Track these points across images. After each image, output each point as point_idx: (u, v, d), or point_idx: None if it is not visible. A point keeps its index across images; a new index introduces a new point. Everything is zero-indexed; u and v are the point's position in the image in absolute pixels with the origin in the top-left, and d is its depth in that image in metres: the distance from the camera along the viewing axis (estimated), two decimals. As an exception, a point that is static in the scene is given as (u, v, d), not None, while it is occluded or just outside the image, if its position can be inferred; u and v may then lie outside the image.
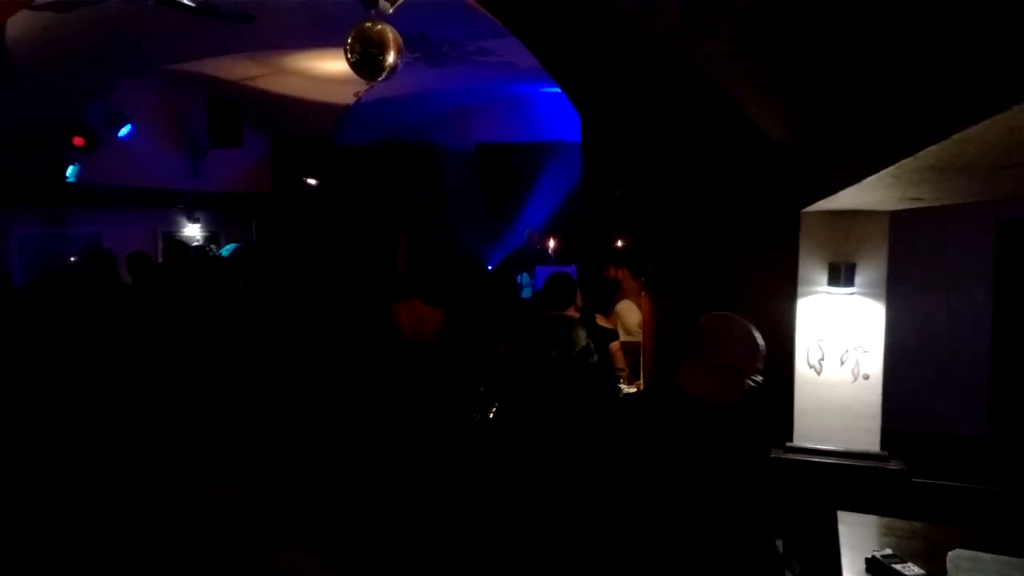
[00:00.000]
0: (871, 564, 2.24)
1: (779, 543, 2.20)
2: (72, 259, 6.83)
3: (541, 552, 1.82)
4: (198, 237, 8.40)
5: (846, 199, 2.69)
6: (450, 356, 3.63)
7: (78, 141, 6.37)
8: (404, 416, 2.57)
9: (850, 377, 3.47)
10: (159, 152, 7.55)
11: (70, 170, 6.50)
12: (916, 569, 2.16)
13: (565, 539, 1.78)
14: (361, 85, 7.04)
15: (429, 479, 2.35)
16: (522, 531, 1.91)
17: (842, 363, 3.48)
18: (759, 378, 1.92)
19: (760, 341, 1.94)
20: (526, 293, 8.12)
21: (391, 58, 3.80)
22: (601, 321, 4.39)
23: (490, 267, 9.10)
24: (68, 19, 4.83)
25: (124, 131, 6.68)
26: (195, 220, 8.41)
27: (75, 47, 5.39)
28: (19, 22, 4.76)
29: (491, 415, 3.12)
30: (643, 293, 4.16)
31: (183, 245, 6.85)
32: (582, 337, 2.67)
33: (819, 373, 3.52)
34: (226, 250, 5.83)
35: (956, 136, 1.14)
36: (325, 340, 3.27)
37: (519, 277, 8.12)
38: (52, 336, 3.03)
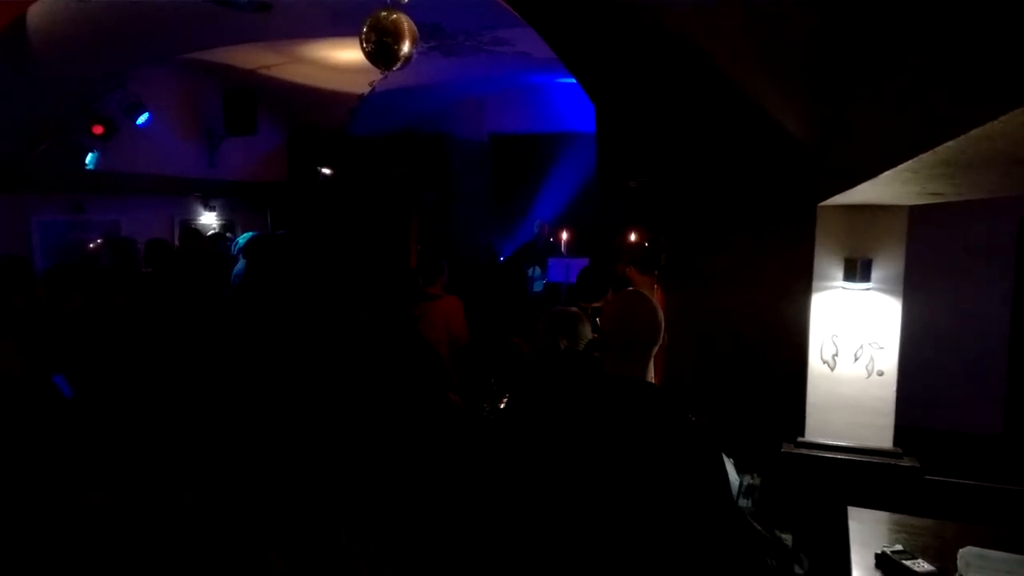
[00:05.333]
0: (881, 560, 2.23)
1: (788, 537, 2.20)
2: (91, 246, 6.93)
3: (543, 547, 1.83)
4: (214, 225, 8.48)
5: (863, 194, 2.66)
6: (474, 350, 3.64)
7: (97, 129, 6.44)
8: (410, 407, 2.58)
9: (864, 373, 3.45)
10: (176, 140, 7.62)
11: (89, 158, 6.57)
12: (926, 565, 2.15)
13: (566, 531, 1.79)
14: (376, 74, 7.05)
15: (434, 471, 2.37)
16: (525, 525, 1.92)
17: (856, 359, 3.46)
18: None
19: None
20: (537, 286, 8.10)
21: (406, 48, 3.80)
22: None
23: (502, 259, 9.09)
24: (87, 8, 4.88)
25: (142, 119, 6.74)
26: (211, 208, 8.49)
27: (94, 36, 5.44)
28: (39, 10, 4.81)
29: (501, 406, 3.14)
30: (656, 287, 4.15)
31: (198, 233, 6.91)
32: (588, 331, 2.67)
33: (833, 369, 3.50)
34: (242, 239, 5.88)
35: (974, 132, 1.13)
36: (336, 336, 3.29)
37: (531, 270, 8.11)
38: (69, 323, 3.08)
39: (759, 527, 2.15)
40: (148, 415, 2.51)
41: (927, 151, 1.41)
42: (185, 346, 3.11)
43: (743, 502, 2.41)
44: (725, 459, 2.08)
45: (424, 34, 4.42)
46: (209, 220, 8.48)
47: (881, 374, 3.42)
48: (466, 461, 2.47)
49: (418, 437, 2.45)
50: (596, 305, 3.85)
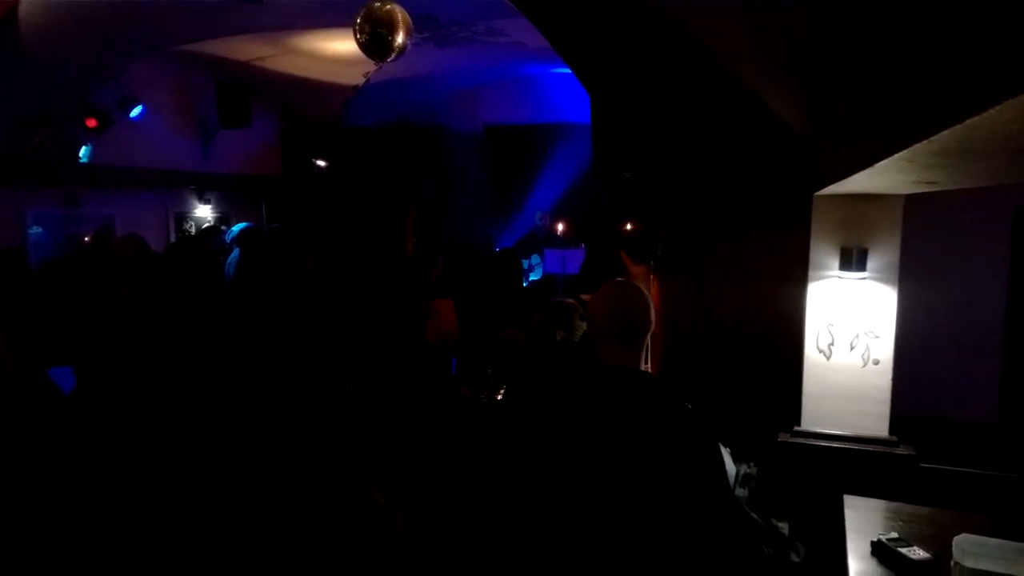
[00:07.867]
0: (876, 547, 2.25)
1: (784, 526, 2.21)
2: (86, 239, 6.89)
3: (544, 541, 1.84)
4: (209, 218, 8.44)
5: (859, 183, 2.66)
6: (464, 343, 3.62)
7: (91, 122, 6.39)
8: (410, 402, 2.59)
9: (860, 362, 3.46)
10: (170, 133, 7.57)
11: (83, 151, 6.53)
12: (922, 553, 2.16)
13: (568, 524, 1.79)
14: (370, 66, 7.01)
15: (436, 464, 2.37)
16: (523, 514, 1.93)
17: (852, 348, 3.47)
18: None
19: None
20: (536, 274, 8.11)
21: (400, 38, 3.78)
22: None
23: (498, 249, 9.08)
24: (79, 0, 4.83)
25: (136, 112, 6.69)
26: (206, 201, 8.45)
27: (86, 28, 5.39)
28: (31, 3, 4.77)
29: (498, 397, 3.14)
30: (651, 277, 4.14)
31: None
32: (583, 323, 2.68)
33: (828, 358, 3.51)
34: (235, 228, 5.87)
35: (969, 121, 1.13)
36: (337, 329, 3.29)
37: (529, 259, 8.11)
38: (64, 317, 3.07)
39: (755, 516, 2.16)
40: (144, 406, 2.51)
41: (922, 140, 1.41)
42: (174, 338, 3.09)
43: (739, 491, 2.42)
44: (721, 448, 2.09)
45: (418, 24, 4.39)
46: (204, 213, 8.45)
47: (877, 363, 3.43)
48: (468, 451, 2.48)
49: (424, 429, 2.45)
50: None
